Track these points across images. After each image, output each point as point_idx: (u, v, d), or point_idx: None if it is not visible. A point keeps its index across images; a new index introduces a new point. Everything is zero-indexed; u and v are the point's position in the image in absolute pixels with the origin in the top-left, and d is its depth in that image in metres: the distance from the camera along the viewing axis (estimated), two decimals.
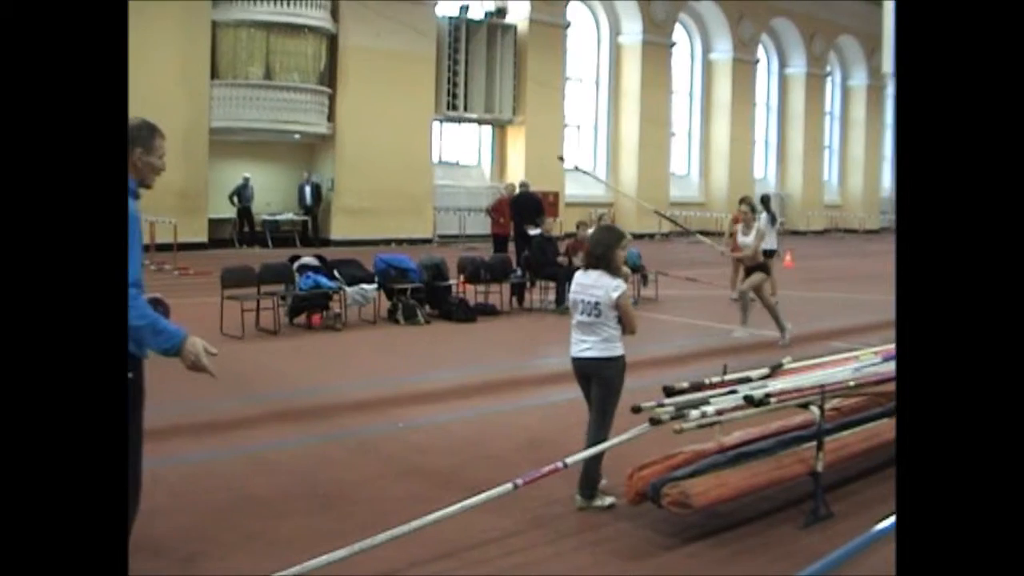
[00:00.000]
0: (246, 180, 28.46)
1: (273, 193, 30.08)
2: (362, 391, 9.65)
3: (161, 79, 26.82)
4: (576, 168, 13.30)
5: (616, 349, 6.64)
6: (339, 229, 29.54)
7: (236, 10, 28.87)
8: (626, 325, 6.64)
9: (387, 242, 28.04)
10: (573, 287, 6.80)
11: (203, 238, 26.19)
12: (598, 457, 6.54)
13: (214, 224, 28.04)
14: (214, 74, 28.65)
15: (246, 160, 29.39)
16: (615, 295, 6.55)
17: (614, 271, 6.65)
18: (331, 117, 30.24)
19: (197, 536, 6.10)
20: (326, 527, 6.24)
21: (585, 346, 6.67)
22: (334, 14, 30.25)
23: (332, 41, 30.44)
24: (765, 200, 19.09)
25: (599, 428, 6.62)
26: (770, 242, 18.41)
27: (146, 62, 26.95)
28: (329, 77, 30.36)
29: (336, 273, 14.98)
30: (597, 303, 6.56)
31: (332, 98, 30.32)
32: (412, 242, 28.77)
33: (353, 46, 30.39)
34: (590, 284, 6.64)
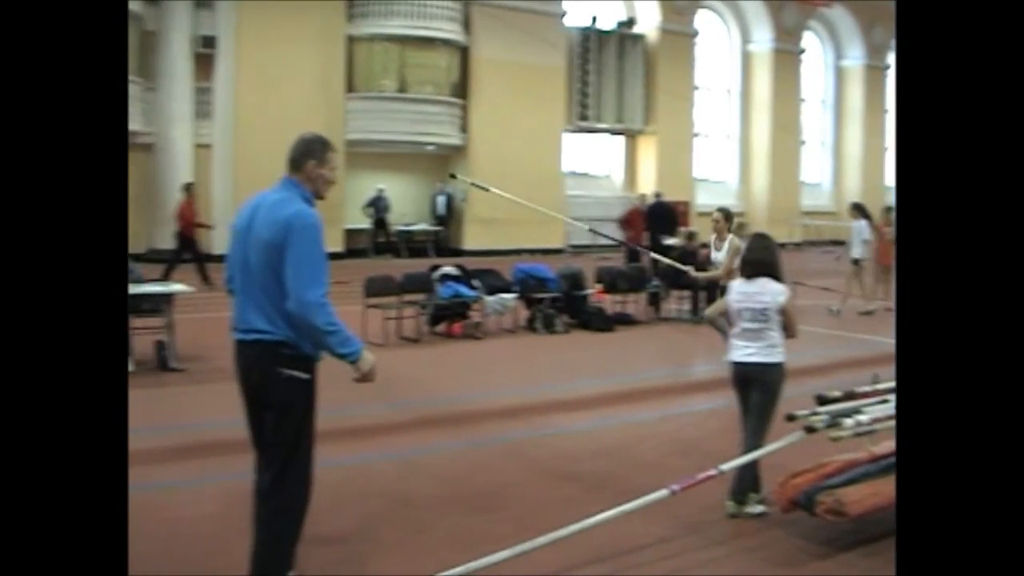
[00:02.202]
0: (380, 192, 28.92)
1: (407, 204, 30.52)
2: (506, 398, 9.80)
3: (300, 93, 27.51)
4: (473, 184, 12.81)
5: (779, 355, 6.66)
6: (472, 239, 29.83)
7: (370, 24, 29.40)
8: (790, 328, 6.68)
9: (518, 252, 28.20)
10: (735, 296, 6.82)
11: (340, 248, 26.67)
12: (754, 463, 6.57)
13: (350, 234, 28.55)
14: (350, 87, 29.20)
15: (381, 171, 29.86)
16: (782, 299, 6.62)
17: (778, 276, 6.72)
18: (464, 128, 30.58)
19: (357, 536, 6.29)
20: (480, 529, 6.37)
21: (749, 351, 6.69)
22: (466, 27, 30.59)
23: (464, 53, 30.78)
24: (860, 207, 18.13)
25: (758, 434, 6.64)
26: (858, 251, 17.99)
27: (286, 76, 27.69)
28: (462, 89, 30.71)
29: (476, 282, 15.19)
30: (765, 309, 6.61)
31: (465, 110, 30.66)
32: (543, 252, 28.88)
33: (485, 58, 30.70)
34: (756, 291, 6.68)
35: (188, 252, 20.29)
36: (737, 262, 10.86)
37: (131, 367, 11.50)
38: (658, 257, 14.29)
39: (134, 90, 26.46)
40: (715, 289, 16.84)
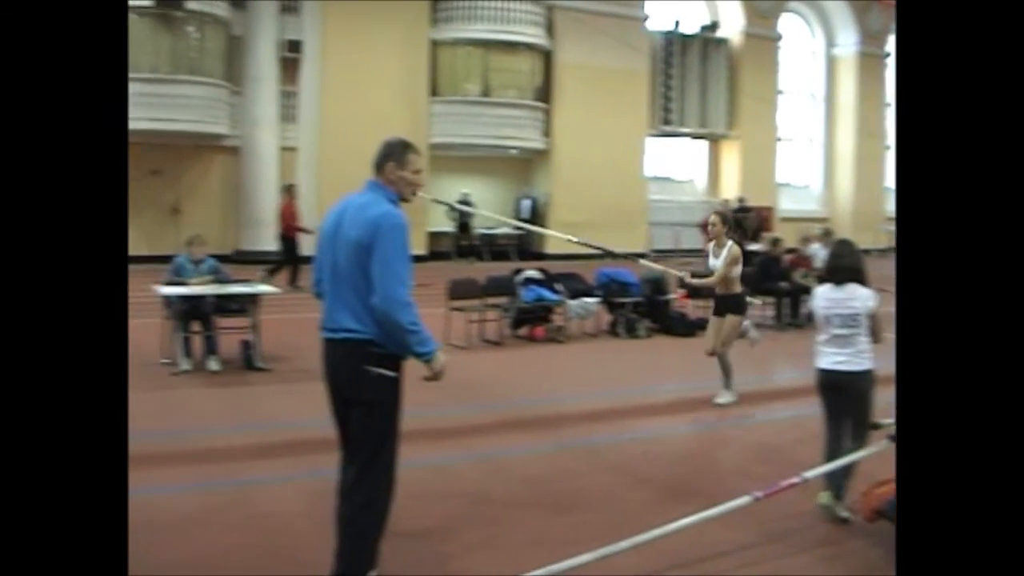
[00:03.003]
0: (465, 195, 29.09)
1: (490, 207, 30.63)
2: (588, 402, 9.81)
3: (384, 96, 27.78)
4: (435, 201, 12.47)
5: (869, 361, 6.60)
6: (554, 243, 29.83)
7: (454, 29, 29.58)
8: (876, 334, 6.63)
9: (600, 256, 28.22)
10: (823, 302, 6.76)
11: (423, 251, 26.85)
12: (848, 470, 6.53)
13: (433, 237, 28.75)
14: (434, 91, 29.40)
15: (464, 175, 30.03)
16: (872, 304, 6.57)
17: (864, 282, 6.68)
18: (547, 132, 30.63)
19: (438, 535, 6.33)
20: (561, 532, 6.37)
21: (840, 359, 6.63)
22: (549, 31, 30.65)
23: (547, 58, 30.84)
24: None
25: (857, 440, 6.61)
26: None
27: (370, 80, 27.94)
28: (544, 93, 30.76)
29: (558, 286, 15.22)
30: (855, 315, 6.57)
31: (548, 114, 30.71)
32: (626, 256, 28.87)
33: (568, 62, 30.73)
34: (845, 297, 6.63)
35: (287, 253, 20.49)
36: (737, 271, 10.37)
37: (217, 366, 11.71)
38: (648, 264, 13.39)
39: (221, 94, 26.90)
40: (798, 296, 16.73)
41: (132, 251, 20.92)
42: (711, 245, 10.74)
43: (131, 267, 14.83)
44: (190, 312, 11.90)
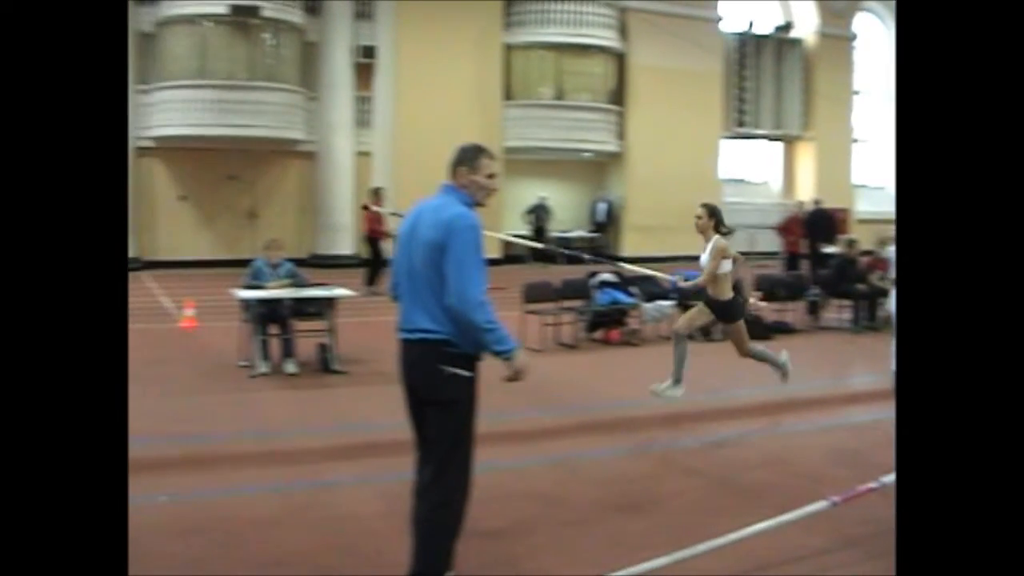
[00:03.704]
0: (542, 199, 29.16)
1: (564, 211, 30.68)
2: (664, 405, 9.76)
3: (457, 100, 27.93)
4: (393, 214, 12.05)
5: None
6: (630, 246, 29.80)
7: (527, 32, 29.66)
8: None
9: (675, 259, 28.09)
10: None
11: (498, 255, 26.91)
12: None
13: (505, 241, 28.82)
14: (507, 95, 29.48)
15: (538, 179, 30.09)
16: None
17: None
18: (621, 135, 30.59)
19: (513, 537, 6.35)
20: (638, 535, 6.36)
21: None
22: (622, 33, 30.61)
23: (620, 60, 30.80)
24: None
25: None
26: None
27: (444, 85, 28.10)
28: (618, 96, 30.72)
29: (634, 289, 15.20)
30: None
31: (621, 116, 30.67)
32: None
33: (641, 64, 30.68)
34: None
35: (372, 255, 20.61)
36: (725, 267, 9.65)
37: (295, 369, 11.85)
38: (631, 268, 12.82)
39: (297, 99, 27.21)
40: (874, 298, 16.54)
41: (210, 255, 21.34)
42: (702, 241, 9.94)
43: (209, 271, 15.17)
44: (268, 315, 12.05)
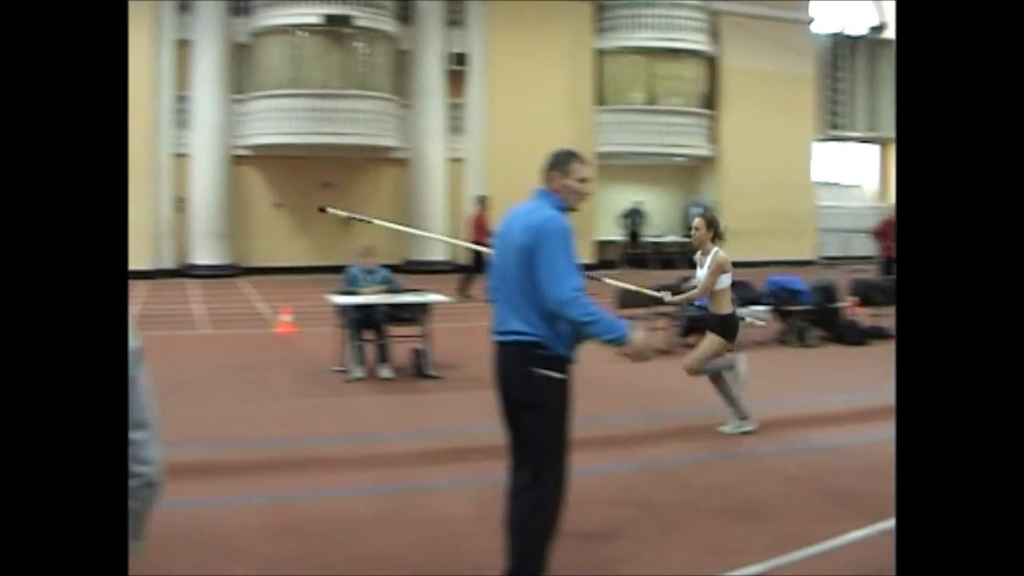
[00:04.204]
0: (637, 204, 29.12)
1: (657, 215, 30.59)
2: (759, 411, 9.65)
3: (550, 106, 28.01)
4: (351, 217, 11.60)
5: None
6: (723, 251, 29.60)
7: (619, 37, 29.66)
8: None
9: (767, 264, 27.86)
10: None
11: (591, 260, 26.92)
12: None
13: (601, 246, 28.81)
14: (600, 100, 29.47)
15: (630, 184, 30.06)
16: None
17: None
18: (713, 139, 30.41)
19: (607, 540, 6.35)
20: (732, 541, 6.31)
21: None
22: (714, 37, 30.44)
23: (712, 64, 30.63)
24: None
25: None
26: None
27: (536, 91, 28.19)
28: (710, 100, 30.55)
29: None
30: None
31: (713, 120, 30.49)
32: (793, 264, 28.41)
33: (733, 68, 30.50)
34: None
35: (476, 262, 20.73)
36: (724, 282, 9.28)
37: (390, 374, 11.96)
38: (615, 283, 11.84)
39: (390, 107, 27.47)
40: None
41: (306, 262, 21.67)
42: (698, 254, 9.62)
43: (304, 277, 15.28)
44: (363, 321, 12.17)
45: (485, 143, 28.65)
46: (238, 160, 27.92)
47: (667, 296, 10.18)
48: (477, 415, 8.44)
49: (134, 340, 2.44)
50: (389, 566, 5.91)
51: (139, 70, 26.56)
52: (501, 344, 5.13)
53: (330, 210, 10.74)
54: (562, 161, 5.17)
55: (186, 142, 27.50)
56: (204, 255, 26.95)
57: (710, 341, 9.38)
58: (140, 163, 26.63)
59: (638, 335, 5.02)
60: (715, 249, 9.33)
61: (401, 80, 28.54)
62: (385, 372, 12.05)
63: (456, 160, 29.05)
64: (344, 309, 12.20)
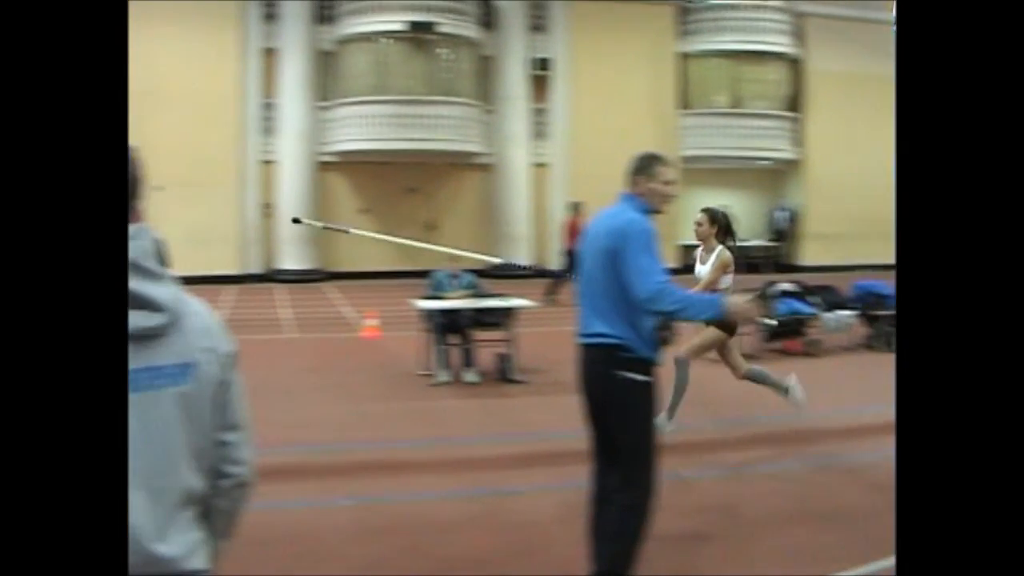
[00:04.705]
0: (724, 207, 28.92)
1: (742, 220, 30.35)
2: (846, 418, 9.57)
3: (633, 110, 27.97)
4: (325, 227, 10.90)
5: None
6: (809, 255, 29.32)
7: (702, 41, 29.52)
8: None
9: (853, 268, 27.49)
10: None
11: (676, 264, 26.80)
12: None
13: (686, 250, 28.65)
14: (682, 104, 29.34)
15: (715, 187, 29.83)
16: None
17: None
18: (799, 142, 30.10)
19: (689, 545, 6.34)
20: (821, 548, 6.25)
21: None
22: (799, 39, 30.14)
23: (797, 66, 30.34)
24: None
25: None
26: None
27: (619, 95, 28.15)
28: (794, 102, 30.26)
29: (813, 299, 14.93)
30: None
31: (799, 123, 30.18)
32: (880, 267, 28.03)
33: (819, 70, 30.18)
34: None
35: (570, 268, 20.78)
36: (726, 281, 8.99)
37: (475, 378, 12.01)
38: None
39: (473, 113, 27.60)
40: None
41: (390, 266, 21.81)
42: (699, 250, 9.44)
43: (390, 282, 15.38)
44: (448, 325, 12.24)
45: (569, 148, 28.67)
46: (324, 166, 28.25)
47: None
48: (561, 419, 8.46)
49: (229, 344, 2.50)
50: (475, 568, 5.95)
51: (226, 78, 27.03)
52: (585, 347, 5.15)
53: (304, 221, 10.74)
54: (646, 164, 5.18)
55: (273, 148, 27.89)
56: (291, 260, 27.28)
57: (711, 333, 9.10)
58: (228, 169, 27.09)
59: (733, 301, 5.02)
60: (719, 247, 9.12)
61: (484, 85, 28.67)
62: (470, 376, 12.11)
63: (540, 165, 29.10)
64: (429, 313, 12.28)
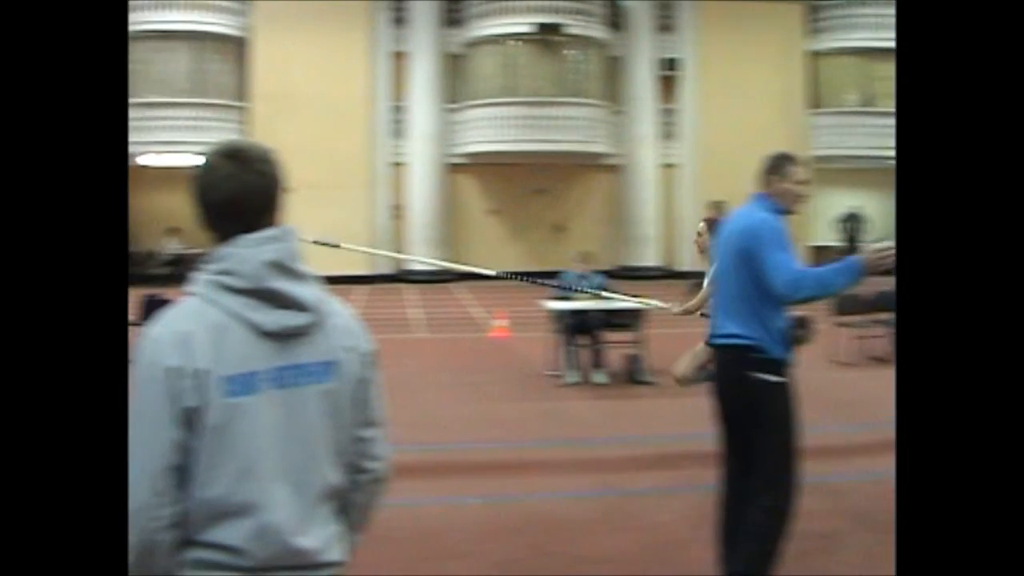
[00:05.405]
0: (854, 209, 28.45)
1: (875, 220, 29.79)
2: None
3: (762, 110, 27.64)
4: (315, 242, 10.24)
5: None
6: None
7: (832, 39, 29.06)
8: None
9: None
10: None
11: (807, 264, 26.43)
12: None
13: (818, 251, 28.23)
14: (813, 103, 28.90)
15: (847, 188, 29.37)
16: None
17: None
18: None
19: (820, 550, 6.23)
20: None
21: None
22: None
23: None
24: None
25: None
26: None
27: (748, 94, 27.84)
28: None
29: None
30: None
31: None
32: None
33: None
34: None
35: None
36: None
37: (604, 379, 12.01)
38: (611, 296, 10.97)
39: (601, 114, 27.61)
40: None
41: (518, 267, 21.92)
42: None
43: (519, 283, 15.12)
44: (577, 326, 12.26)
45: (698, 148, 28.48)
46: (453, 168, 28.53)
47: (675, 308, 9.32)
48: (691, 421, 8.39)
49: (369, 343, 2.57)
50: (602, 569, 5.96)
51: (356, 82, 27.48)
52: (716, 347, 5.12)
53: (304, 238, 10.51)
54: (779, 164, 5.12)
55: (403, 151, 28.27)
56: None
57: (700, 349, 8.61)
58: (358, 172, 27.52)
59: (865, 255, 4.78)
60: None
61: (612, 86, 28.64)
62: (599, 377, 12.11)
63: (668, 166, 28.96)
64: (559, 314, 12.30)
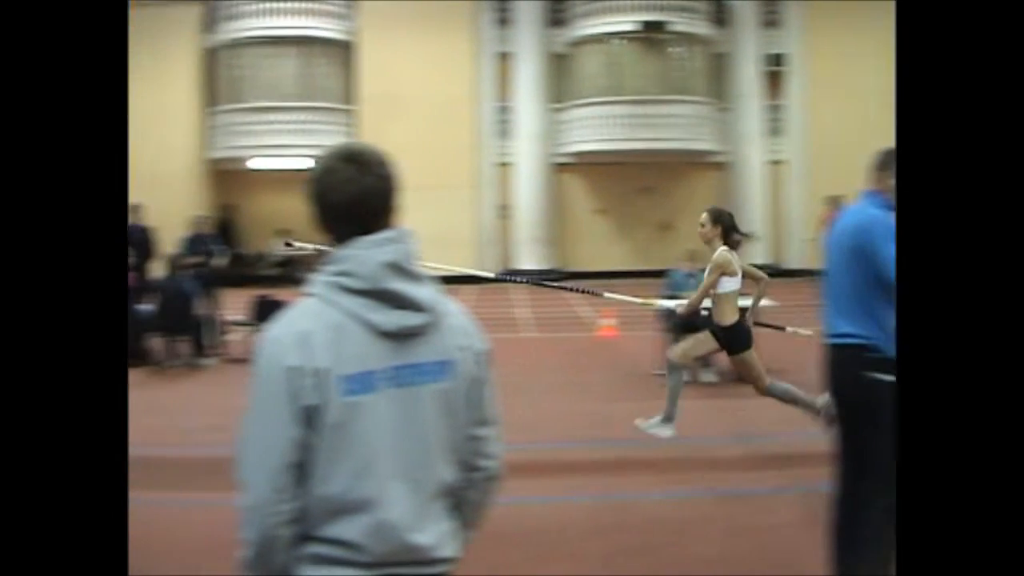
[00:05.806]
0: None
1: None
2: None
3: (870, 105, 27.09)
4: (316, 248, 9.81)
5: None
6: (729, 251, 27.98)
7: None
8: None
9: None
10: None
11: None
12: None
13: None
14: None
15: None
16: None
17: None
18: None
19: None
20: None
21: None
22: None
23: None
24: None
25: None
26: None
27: (856, 89, 27.41)
28: None
29: None
30: None
31: None
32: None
33: None
34: None
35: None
36: (732, 285, 8.14)
37: (713, 378, 11.97)
38: (613, 296, 10.36)
39: (707, 111, 27.48)
40: None
41: (627, 266, 21.91)
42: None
43: (625, 281, 15.34)
44: (686, 325, 12.19)
45: (806, 144, 28.13)
46: (559, 167, 28.60)
47: (678, 308, 9.16)
48: (801, 421, 8.33)
49: (483, 343, 2.63)
50: (707, 569, 5.96)
51: (462, 82, 27.68)
52: (831, 347, 5.08)
53: (295, 244, 10.61)
54: (889, 160, 5.06)
55: (508, 151, 28.41)
56: (527, 260, 27.70)
57: (703, 337, 8.56)
58: (464, 172, 27.72)
59: None
60: (721, 249, 8.14)
61: (718, 83, 28.45)
62: (708, 376, 12.06)
63: (776, 162, 28.66)
64: (667, 313, 12.26)
